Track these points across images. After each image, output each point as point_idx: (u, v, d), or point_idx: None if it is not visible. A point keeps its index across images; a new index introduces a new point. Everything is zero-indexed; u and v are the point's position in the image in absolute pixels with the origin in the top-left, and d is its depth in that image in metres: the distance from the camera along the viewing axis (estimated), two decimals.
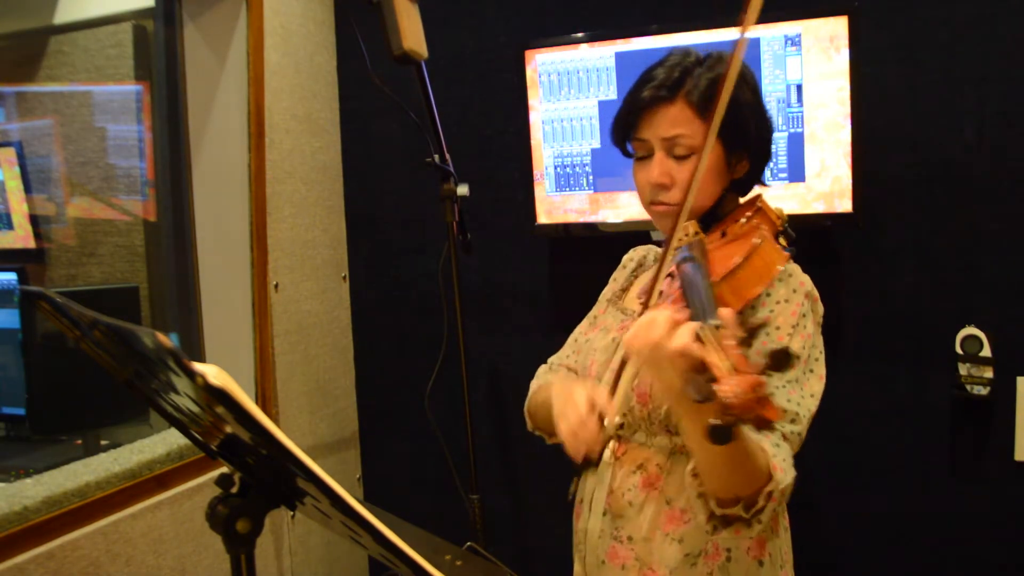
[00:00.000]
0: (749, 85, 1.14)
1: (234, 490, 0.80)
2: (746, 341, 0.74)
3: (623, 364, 1.09)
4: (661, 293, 1.05)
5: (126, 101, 2.13)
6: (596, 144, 1.97)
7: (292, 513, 2.05)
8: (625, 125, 1.17)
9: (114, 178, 2.14)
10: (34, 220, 2.17)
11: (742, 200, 1.19)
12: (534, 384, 1.40)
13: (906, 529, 1.89)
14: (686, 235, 1.05)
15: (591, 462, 1.12)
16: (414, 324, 2.36)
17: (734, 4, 1.90)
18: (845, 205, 1.76)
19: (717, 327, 0.76)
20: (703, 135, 1.06)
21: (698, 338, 0.77)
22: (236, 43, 1.93)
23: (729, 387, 0.69)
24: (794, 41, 1.76)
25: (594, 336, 1.28)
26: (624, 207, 1.97)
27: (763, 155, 1.17)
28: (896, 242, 1.84)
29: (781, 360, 0.70)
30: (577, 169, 2.00)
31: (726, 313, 0.78)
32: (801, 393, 1.04)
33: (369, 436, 2.46)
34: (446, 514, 2.21)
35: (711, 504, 0.96)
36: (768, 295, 1.07)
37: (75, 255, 2.17)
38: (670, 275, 1.05)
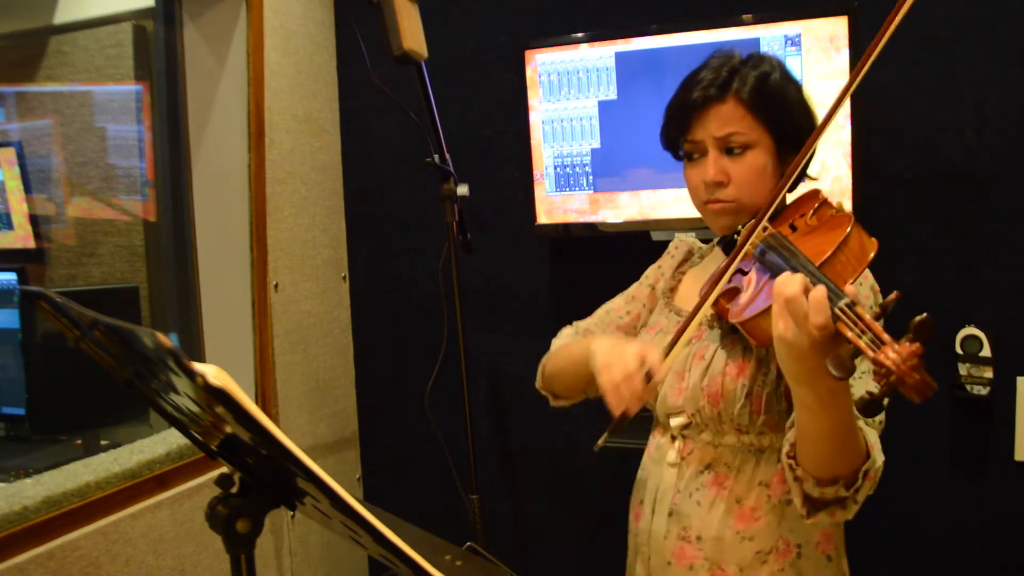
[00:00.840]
0: (795, 85, 1.16)
1: (234, 490, 0.80)
2: (880, 316, 0.76)
3: (682, 329, 1.09)
4: (738, 290, 1.05)
5: (126, 101, 2.13)
6: (596, 144, 1.97)
7: (292, 513, 2.04)
8: (677, 128, 1.17)
9: (114, 178, 2.14)
10: (34, 220, 2.17)
11: (789, 195, 1.19)
12: (556, 342, 1.41)
13: (906, 529, 1.89)
14: (761, 230, 1.06)
15: (627, 419, 1.08)
16: (414, 324, 2.36)
17: (734, 4, 1.90)
18: (845, 205, 1.76)
19: (851, 304, 0.78)
20: (755, 130, 1.11)
21: (834, 316, 0.78)
22: (236, 43, 1.93)
23: (891, 358, 0.71)
24: (794, 41, 1.76)
25: (651, 338, 1.27)
26: (624, 207, 1.97)
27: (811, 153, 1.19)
28: (896, 242, 1.84)
29: (927, 329, 0.72)
30: (577, 169, 2.00)
31: (852, 290, 0.80)
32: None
33: (369, 436, 2.46)
34: (446, 514, 2.22)
35: (808, 486, 0.97)
36: None
37: (75, 255, 2.17)
38: (740, 271, 1.06)
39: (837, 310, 0.79)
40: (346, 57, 2.34)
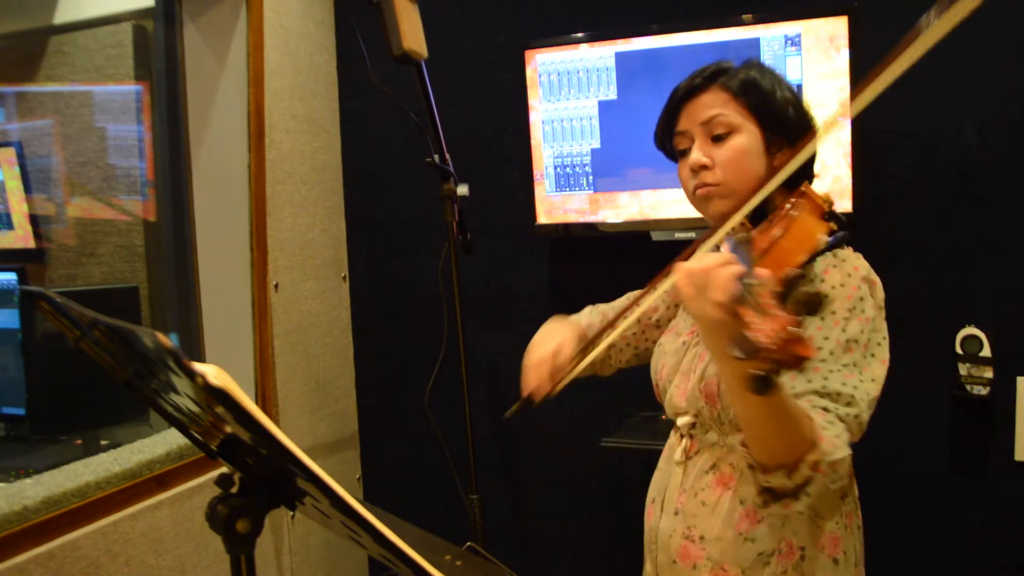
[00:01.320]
0: (785, 84, 1.16)
1: (234, 490, 0.80)
2: (782, 295, 0.75)
3: (601, 330, 1.15)
4: None
5: (126, 101, 2.13)
6: (596, 144, 1.97)
7: (292, 513, 2.04)
8: (666, 122, 1.19)
9: (114, 178, 2.14)
10: (34, 220, 2.17)
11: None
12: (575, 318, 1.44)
13: (906, 529, 1.89)
14: (736, 227, 1.05)
15: (532, 402, 1.16)
16: (414, 324, 2.36)
17: (734, 4, 1.90)
18: (845, 205, 1.76)
19: (752, 284, 0.77)
20: (739, 113, 1.11)
21: (741, 300, 0.78)
22: (236, 43, 1.93)
23: (761, 329, 0.71)
24: (794, 41, 1.76)
25: (666, 340, 1.28)
26: (624, 207, 1.97)
27: (811, 156, 1.17)
28: (896, 242, 1.84)
29: (812, 302, 0.72)
30: (577, 169, 2.00)
31: (764, 272, 0.80)
32: (860, 377, 1.03)
33: (369, 436, 2.46)
34: (446, 514, 2.21)
35: (757, 474, 0.97)
36: (823, 280, 1.07)
37: (75, 255, 2.17)
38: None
39: (742, 289, 0.78)
40: (346, 57, 2.34)
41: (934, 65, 1.78)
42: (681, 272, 0.88)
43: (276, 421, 2.06)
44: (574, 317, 1.41)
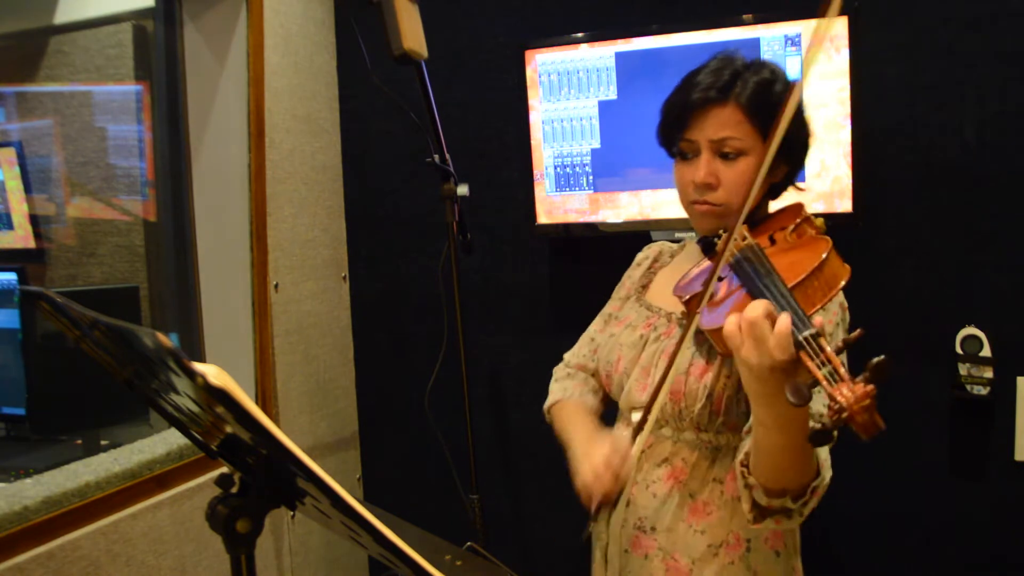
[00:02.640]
0: (795, 90, 1.15)
1: (234, 490, 0.80)
2: (841, 351, 0.78)
3: (664, 377, 1.11)
4: (712, 295, 1.06)
5: (126, 101, 2.13)
6: (596, 144, 1.97)
7: (292, 513, 2.05)
8: (674, 126, 1.18)
9: (114, 178, 2.14)
10: (34, 220, 2.17)
11: (772, 203, 1.21)
12: (554, 387, 1.42)
13: (906, 529, 1.89)
14: (740, 239, 1.07)
15: (603, 512, 1.18)
16: (414, 324, 2.36)
17: (734, 4, 1.90)
18: (845, 205, 1.76)
19: (815, 335, 0.80)
20: (751, 137, 1.11)
21: (796, 344, 0.81)
22: (236, 43, 1.93)
23: (845, 396, 0.73)
24: (794, 41, 1.76)
25: (619, 331, 1.28)
26: (624, 207, 1.97)
27: (800, 161, 1.20)
28: (896, 242, 1.84)
29: (883, 371, 0.74)
30: (577, 169, 2.00)
31: (820, 321, 0.82)
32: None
33: (369, 436, 2.46)
34: (446, 514, 2.21)
35: (757, 494, 1.00)
36: None
37: (75, 255, 2.17)
38: (719, 277, 1.07)
39: (801, 339, 0.81)
40: (346, 57, 2.34)
41: (934, 65, 1.78)
42: (731, 325, 0.89)
43: (276, 421, 2.06)
44: (560, 394, 1.37)
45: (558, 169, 2.02)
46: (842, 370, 0.76)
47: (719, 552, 1.15)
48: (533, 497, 2.29)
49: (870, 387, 0.74)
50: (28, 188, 2.16)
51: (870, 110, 1.76)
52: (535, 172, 2.04)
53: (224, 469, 0.83)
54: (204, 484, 1.72)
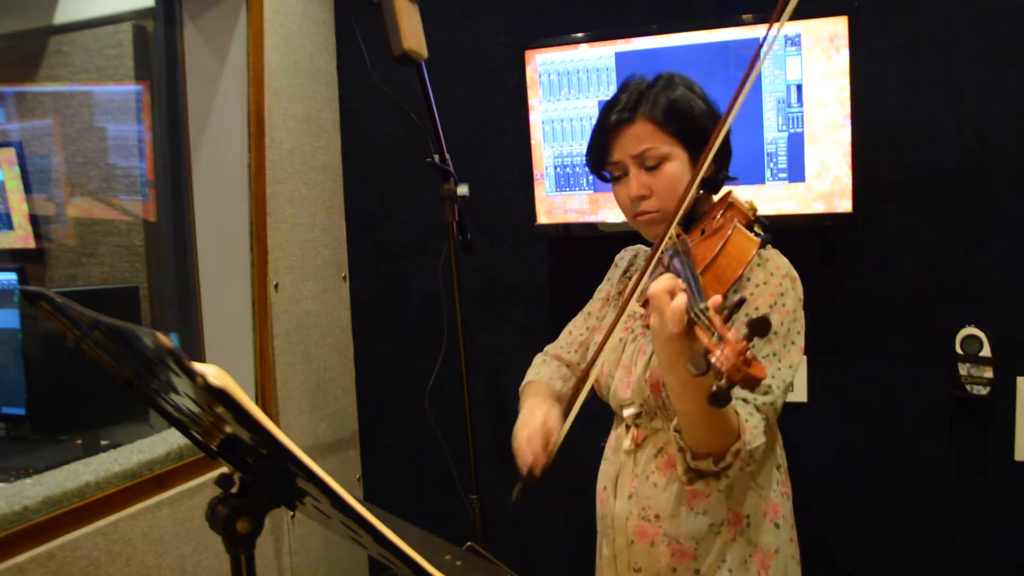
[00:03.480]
0: (698, 95, 1.26)
1: (234, 490, 0.80)
2: (728, 317, 0.86)
3: (577, 389, 1.25)
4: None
5: (126, 101, 2.13)
6: None
7: (292, 513, 2.05)
8: (599, 152, 1.29)
9: (114, 178, 2.14)
10: (34, 220, 2.17)
11: (716, 198, 1.29)
12: (530, 372, 1.52)
13: (906, 529, 1.89)
14: (671, 237, 1.15)
15: (533, 476, 1.26)
16: (414, 324, 2.36)
17: (734, 4, 1.90)
18: (845, 205, 1.76)
19: (704, 309, 0.89)
20: (666, 142, 1.22)
21: (692, 321, 0.90)
22: (236, 43, 1.93)
23: (721, 355, 0.81)
24: (794, 41, 1.76)
25: (600, 337, 1.33)
26: None
27: (724, 155, 1.28)
28: (896, 242, 1.84)
29: (760, 326, 0.81)
30: (577, 169, 2.00)
31: (716, 299, 0.90)
32: (778, 365, 1.16)
33: (369, 436, 2.46)
34: (446, 514, 2.22)
35: (687, 457, 1.10)
36: (748, 279, 1.19)
37: (75, 255, 2.17)
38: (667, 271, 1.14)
39: (693, 314, 0.90)
40: (346, 57, 2.34)
41: (934, 65, 1.78)
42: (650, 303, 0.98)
43: (276, 421, 2.07)
44: (533, 376, 1.49)
45: (558, 169, 2.02)
46: (727, 334, 0.83)
47: (720, 531, 1.22)
48: (533, 497, 2.29)
49: (742, 344, 0.80)
50: (28, 188, 2.16)
51: (870, 110, 1.76)
52: (535, 172, 2.04)
53: (224, 469, 0.83)
54: (204, 484, 1.72)
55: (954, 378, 1.78)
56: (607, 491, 1.34)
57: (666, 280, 0.96)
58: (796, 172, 1.79)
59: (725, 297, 0.98)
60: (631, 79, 1.31)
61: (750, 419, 1.10)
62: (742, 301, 0.87)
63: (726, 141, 1.26)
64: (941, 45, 1.78)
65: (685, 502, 1.23)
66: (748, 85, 1.06)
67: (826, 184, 1.77)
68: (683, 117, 1.22)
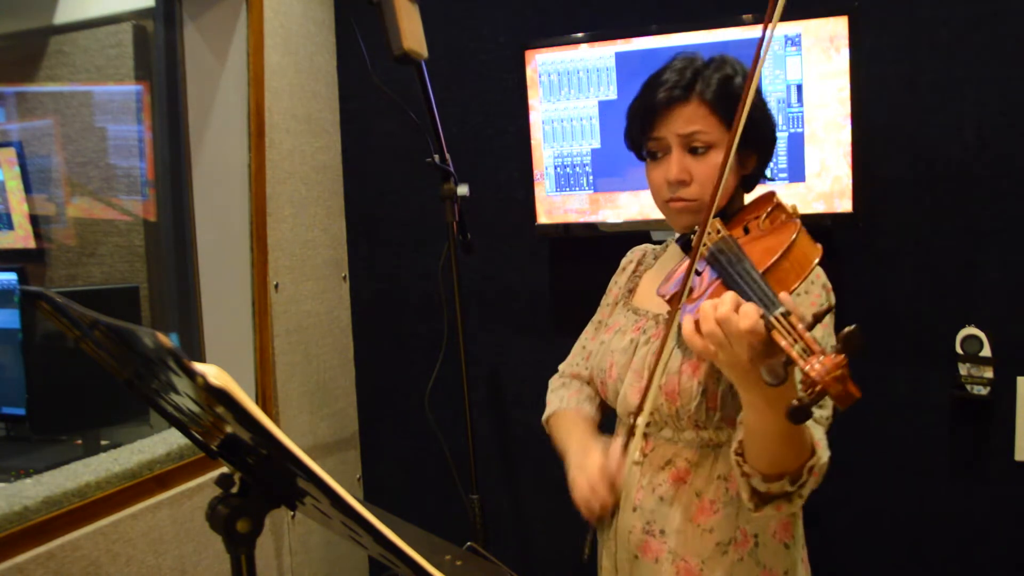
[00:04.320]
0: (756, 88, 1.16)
1: (234, 490, 0.80)
2: (812, 326, 0.79)
3: (651, 379, 1.13)
4: (692, 290, 1.07)
5: (126, 101, 2.13)
6: (596, 144, 1.97)
7: (292, 513, 2.05)
8: (641, 127, 1.20)
9: (114, 178, 2.14)
10: (34, 220, 2.17)
11: (747, 195, 1.23)
12: (551, 398, 1.43)
13: (906, 529, 1.89)
14: (715, 232, 1.08)
15: (603, 522, 1.19)
16: (414, 324, 2.36)
17: (734, 4, 1.90)
18: (845, 205, 1.76)
19: (785, 314, 0.81)
20: (718, 130, 1.13)
21: (767, 325, 0.82)
22: (236, 43, 1.93)
23: (816, 368, 0.74)
24: (794, 41, 1.76)
25: (609, 338, 1.29)
26: (624, 207, 1.97)
27: (769, 151, 1.21)
28: (896, 242, 1.84)
29: (854, 340, 0.74)
30: (577, 169, 2.00)
31: (788, 299, 0.83)
32: None
33: (369, 436, 2.46)
34: (446, 514, 2.22)
35: (755, 481, 1.01)
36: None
37: (75, 255, 2.17)
38: (696, 271, 1.08)
39: (772, 319, 0.82)
40: (346, 57, 2.34)
41: (934, 65, 1.78)
42: (692, 335, 0.91)
43: (276, 421, 2.07)
44: (557, 404, 1.39)
45: (558, 169, 2.02)
46: (813, 344, 0.77)
47: (728, 550, 1.16)
48: (533, 497, 2.29)
49: (840, 357, 0.74)
50: (28, 188, 2.16)
51: (870, 110, 1.76)
52: (535, 172, 2.04)
53: (224, 469, 0.83)
54: (204, 484, 1.72)
55: (954, 378, 1.78)
56: None
57: (726, 303, 0.88)
58: (796, 172, 1.79)
59: None
60: (683, 55, 1.20)
61: (816, 431, 1.03)
62: (830, 309, 0.80)
63: (772, 138, 1.20)
64: (941, 45, 1.78)
65: (692, 518, 1.17)
66: (751, 86, 1.00)
67: (826, 184, 1.77)
68: (737, 105, 1.08)
